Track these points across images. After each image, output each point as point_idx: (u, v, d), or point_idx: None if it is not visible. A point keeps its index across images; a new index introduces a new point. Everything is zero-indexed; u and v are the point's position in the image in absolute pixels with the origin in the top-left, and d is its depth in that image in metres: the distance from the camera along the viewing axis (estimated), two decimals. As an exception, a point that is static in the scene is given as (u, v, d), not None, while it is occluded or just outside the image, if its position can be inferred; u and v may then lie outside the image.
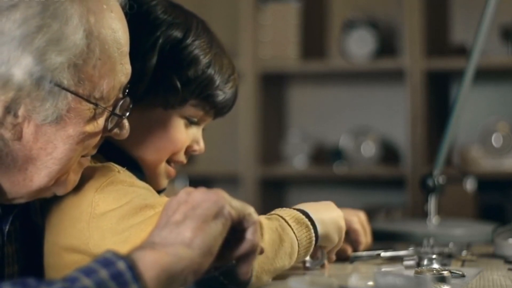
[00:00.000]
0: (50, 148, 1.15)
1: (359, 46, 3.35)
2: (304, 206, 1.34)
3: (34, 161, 1.15)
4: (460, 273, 1.36)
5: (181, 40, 1.33)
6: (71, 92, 1.13)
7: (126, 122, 1.22)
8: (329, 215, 1.35)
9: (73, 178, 1.21)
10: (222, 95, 1.37)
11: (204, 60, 1.34)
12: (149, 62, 1.31)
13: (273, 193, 3.58)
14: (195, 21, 1.37)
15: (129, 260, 0.95)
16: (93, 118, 1.16)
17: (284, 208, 1.32)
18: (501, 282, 1.33)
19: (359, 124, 3.56)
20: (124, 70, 1.19)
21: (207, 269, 1.02)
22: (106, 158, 1.32)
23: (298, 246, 1.28)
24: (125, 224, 1.20)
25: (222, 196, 1.05)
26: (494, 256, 1.60)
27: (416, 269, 1.36)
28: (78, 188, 1.24)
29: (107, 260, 0.95)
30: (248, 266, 1.07)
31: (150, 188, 1.29)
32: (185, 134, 1.36)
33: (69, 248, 1.23)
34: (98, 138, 1.20)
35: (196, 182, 3.66)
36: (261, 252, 1.09)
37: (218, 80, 1.35)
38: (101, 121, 1.18)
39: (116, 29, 1.17)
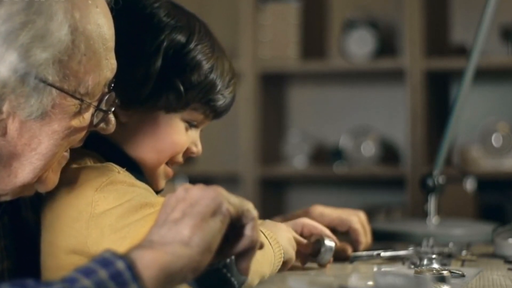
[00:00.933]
0: (34, 144, 1.15)
1: (359, 46, 3.35)
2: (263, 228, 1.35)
3: (19, 157, 1.15)
4: (460, 273, 1.36)
5: (184, 45, 1.34)
6: (56, 88, 1.13)
7: (112, 117, 1.22)
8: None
9: (53, 178, 1.21)
10: (222, 99, 1.37)
11: (206, 65, 1.35)
12: (153, 66, 1.31)
13: (273, 193, 3.59)
14: (197, 24, 1.37)
15: (128, 260, 0.95)
16: (79, 113, 1.16)
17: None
18: (501, 282, 1.34)
19: (359, 124, 3.56)
20: (109, 66, 1.18)
21: (206, 266, 1.02)
22: (106, 158, 1.32)
23: (274, 258, 1.29)
24: (124, 221, 1.20)
25: (220, 192, 1.05)
26: (494, 256, 1.60)
27: (416, 269, 1.36)
28: (78, 188, 1.24)
29: (106, 260, 0.95)
30: (248, 262, 1.07)
31: (150, 188, 1.30)
32: (185, 136, 1.37)
33: (67, 249, 1.23)
34: (83, 133, 1.20)
35: (196, 182, 3.65)
36: (261, 247, 1.09)
37: (219, 85, 1.36)
38: (86, 116, 1.18)
39: (101, 25, 1.17)
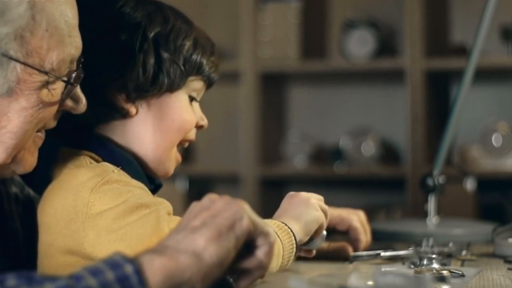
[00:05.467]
0: (4, 121, 1.15)
1: (359, 46, 3.35)
2: (279, 217, 1.36)
3: None
4: (460, 272, 1.36)
5: (163, 30, 1.36)
6: (21, 63, 1.14)
7: (82, 96, 1.23)
8: (304, 215, 1.37)
9: (30, 158, 1.21)
10: (212, 65, 1.41)
11: (189, 41, 1.37)
12: (148, 58, 1.33)
13: (273, 193, 3.58)
14: (166, 8, 1.40)
15: (136, 264, 0.95)
16: (46, 88, 1.17)
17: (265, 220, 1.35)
18: (501, 282, 1.33)
19: (359, 124, 3.56)
20: (73, 43, 1.19)
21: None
22: (103, 158, 1.32)
23: (283, 251, 1.29)
24: (120, 222, 1.21)
25: (243, 207, 1.05)
26: (494, 256, 1.60)
27: (416, 269, 1.36)
28: (74, 188, 1.25)
29: (115, 262, 0.95)
30: (248, 282, 1.06)
31: (145, 187, 1.31)
32: (192, 111, 1.39)
33: (64, 249, 1.24)
34: (53, 109, 1.20)
35: (196, 182, 3.68)
36: (262, 276, 1.08)
37: (206, 55, 1.39)
38: (55, 92, 1.18)
39: (62, 2, 1.18)
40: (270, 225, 1.31)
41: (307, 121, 3.68)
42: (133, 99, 1.33)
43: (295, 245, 1.33)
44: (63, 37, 1.17)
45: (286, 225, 1.33)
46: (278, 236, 1.29)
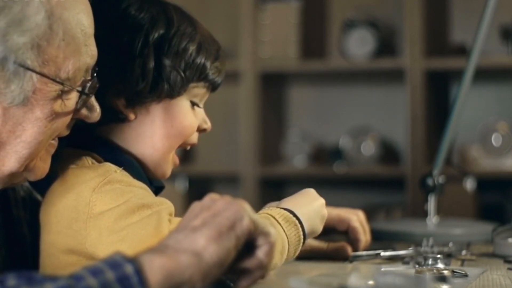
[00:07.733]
0: (19, 131, 1.15)
1: (359, 46, 3.35)
2: (288, 204, 1.34)
3: (4, 145, 1.15)
4: (463, 272, 1.36)
5: (167, 33, 1.35)
6: (37, 73, 1.13)
7: (96, 105, 1.22)
8: (312, 207, 1.36)
9: (42, 166, 1.21)
10: (216, 70, 1.39)
11: (193, 45, 1.36)
12: (148, 61, 1.32)
13: (273, 193, 3.58)
14: (171, 9, 1.38)
15: (137, 264, 0.95)
16: (60, 99, 1.16)
17: (272, 207, 1.34)
18: (501, 282, 1.33)
19: (359, 124, 3.56)
20: (89, 52, 1.19)
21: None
22: (104, 159, 1.32)
23: (288, 244, 1.29)
24: (122, 223, 1.20)
25: (244, 207, 1.05)
26: (494, 256, 1.60)
27: (416, 268, 1.36)
28: (75, 188, 1.25)
29: (115, 262, 0.95)
30: (248, 283, 1.06)
31: (147, 188, 1.30)
32: (194, 116, 1.38)
33: (66, 249, 1.24)
34: (67, 119, 1.20)
35: (196, 182, 3.68)
36: (263, 277, 1.08)
37: (210, 60, 1.38)
38: (69, 102, 1.18)
39: (78, 11, 1.18)
40: (273, 215, 1.30)
41: (307, 121, 3.68)
42: (132, 104, 1.33)
43: (302, 235, 1.31)
44: (79, 46, 1.17)
45: (293, 214, 1.31)
46: (284, 230, 1.28)
